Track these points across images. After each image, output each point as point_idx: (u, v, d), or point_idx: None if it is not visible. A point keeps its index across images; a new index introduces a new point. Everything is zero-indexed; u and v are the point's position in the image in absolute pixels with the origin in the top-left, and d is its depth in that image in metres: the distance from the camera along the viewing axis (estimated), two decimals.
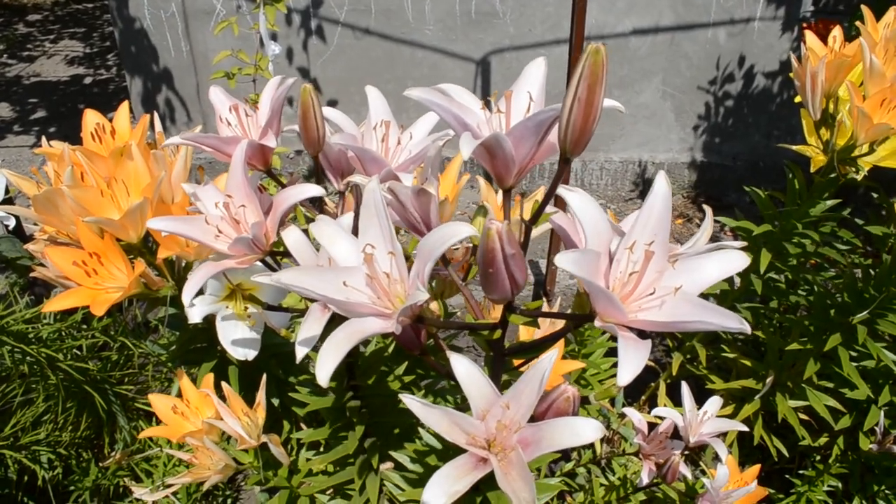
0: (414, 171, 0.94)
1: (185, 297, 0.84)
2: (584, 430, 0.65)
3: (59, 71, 6.24)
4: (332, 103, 3.96)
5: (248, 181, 0.87)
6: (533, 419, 0.70)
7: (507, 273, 0.63)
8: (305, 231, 0.89)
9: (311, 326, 0.79)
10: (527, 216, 0.79)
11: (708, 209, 0.83)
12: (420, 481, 1.15)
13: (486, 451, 0.69)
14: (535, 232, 0.81)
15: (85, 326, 2.04)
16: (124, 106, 1.26)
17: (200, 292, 1.31)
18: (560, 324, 1.38)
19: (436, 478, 0.66)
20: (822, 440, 2.13)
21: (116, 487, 2.16)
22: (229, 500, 2.26)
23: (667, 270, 0.67)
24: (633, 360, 0.59)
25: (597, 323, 0.64)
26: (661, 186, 0.68)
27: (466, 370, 0.70)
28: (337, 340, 0.64)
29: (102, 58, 6.55)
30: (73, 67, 6.33)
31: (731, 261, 0.68)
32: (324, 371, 0.63)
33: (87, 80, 6.01)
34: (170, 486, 1.36)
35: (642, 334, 0.65)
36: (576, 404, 0.71)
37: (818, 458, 2.19)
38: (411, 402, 0.68)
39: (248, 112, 0.99)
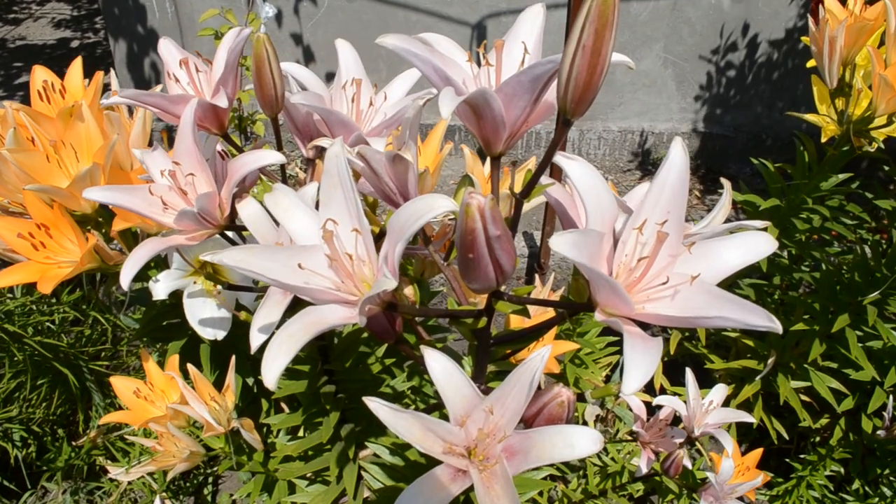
0: (388, 136, 0.82)
1: (123, 279, 0.73)
2: (580, 442, 0.55)
3: (46, 34, 6.07)
4: (324, 69, 3.82)
5: (198, 147, 0.75)
6: (523, 423, 0.61)
7: (491, 258, 0.52)
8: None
9: (269, 311, 0.68)
10: (518, 189, 0.68)
11: (726, 183, 0.72)
12: (399, 475, 1.07)
13: (467, 460, 0.60)
14: (527, 206, 0.71)
15: (55, 301, 1.94)
16: (77, 62, 1.15)
17: (165, 266, 1.22)
18: None
19: (405, 496, 0.56)
20: (823, 422, 2.06)
21: (92, 466, 2.08)
22: (210, 479, 2.18)
23: (681, 255, 0.56)
24: (641, 362, 0.49)
25: (597, 316, 0.54)
26: (677, 155, 0.57)
27: (443, 368, 0.59)
28: (289, 333, 0.54)
29: (90, 20, 6.38)
30: (59, 30, 6.16)
31: (756, 245, 0.58)
32: (272, 372, 0.52)
33: (75, 44, 5.84)
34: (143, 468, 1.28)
35: (647, 328, 0.55)
36: (571, 409, 0.61)
37: (818, 439, 2.13)
38: (377, 406, 0.57)
39: (200, 67, 0.87)
